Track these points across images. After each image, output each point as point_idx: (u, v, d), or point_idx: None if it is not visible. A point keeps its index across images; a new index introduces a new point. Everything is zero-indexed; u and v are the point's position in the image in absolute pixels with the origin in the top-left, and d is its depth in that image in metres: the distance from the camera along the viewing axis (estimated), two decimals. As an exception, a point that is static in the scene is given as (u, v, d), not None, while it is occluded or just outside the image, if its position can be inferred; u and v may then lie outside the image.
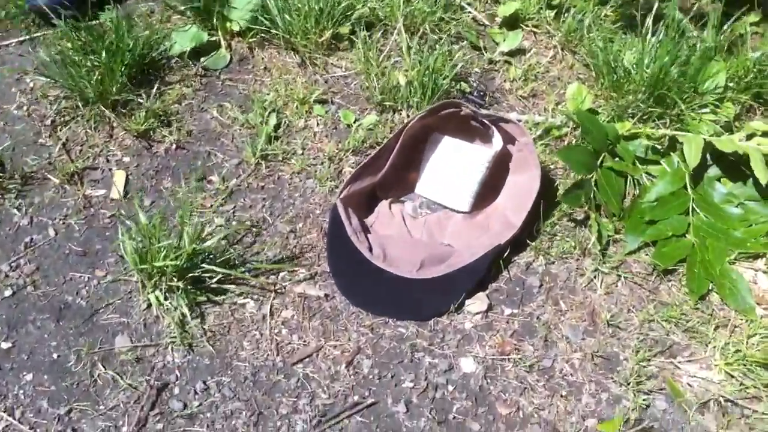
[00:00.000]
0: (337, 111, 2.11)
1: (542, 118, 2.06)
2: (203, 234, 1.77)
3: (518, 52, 2.28)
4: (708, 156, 1.89)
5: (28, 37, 2.31)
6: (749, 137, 1.89)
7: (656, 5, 2.18)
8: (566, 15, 2.31)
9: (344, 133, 2.06)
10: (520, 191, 1.83)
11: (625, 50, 2.15)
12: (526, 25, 2.35)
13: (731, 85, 2.05)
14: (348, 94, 2.16)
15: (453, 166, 1.89)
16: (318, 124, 2.08)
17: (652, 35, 2.10)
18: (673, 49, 2.02)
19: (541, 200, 1.81)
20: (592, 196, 1.83)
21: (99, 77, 2.03)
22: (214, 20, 2.26)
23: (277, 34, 2.23)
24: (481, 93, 2.03)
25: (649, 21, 2.14)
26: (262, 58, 2.25)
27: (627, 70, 2.07)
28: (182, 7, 2.30)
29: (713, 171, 1.90)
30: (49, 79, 2.09)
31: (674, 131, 1.94)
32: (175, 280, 1.66)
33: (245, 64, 2.25)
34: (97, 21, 2.28)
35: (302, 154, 2.01)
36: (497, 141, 1.85)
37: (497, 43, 2.29)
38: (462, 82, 2.15)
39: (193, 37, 2.23)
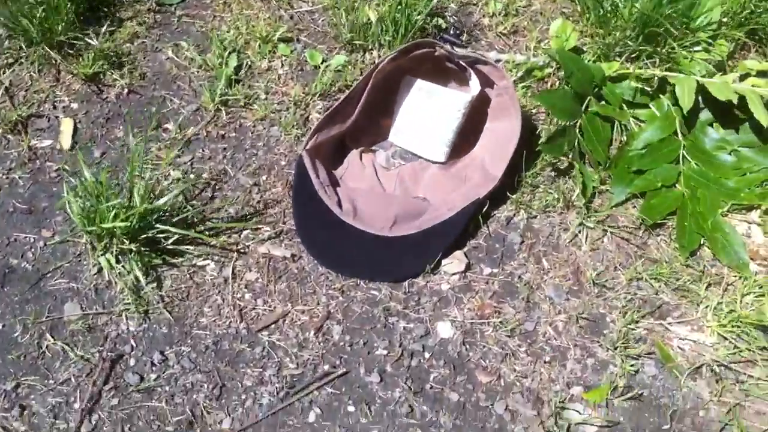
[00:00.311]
0: (303, 50, 1.96)
1: (524, 57, 1.92)
2: (157, 190, 1.63)
3: (498, -17, 2.13)
4: (699, 99, 1.77)
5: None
6: (743, 78, 1.77)
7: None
8: (548, -57, 2.16)
9: (311, 75, 1.91)
10: (499, 140, 1.70)
11: (613, -19, 2.00)
12: (506, -46, 2.19)
13: (725, 20, 1.91)
14: (315, 32, 2.00)
15: (427, 113, 1.75)
16: (282, 66, 1.93)
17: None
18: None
19: (523, 150, 1.68)
20: (576, 144, 1.71)
21: (43, 15, 1.86)
22: (168, -50, 2.08)
23: (236, -35, 2.06)
24: (458, 31, 1.88)
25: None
26: (221, -8, 2.08)
27: (614, 4, 1.92)
28: (132, -64, 2.11)
29: (705, 115, 1.77)
30: (-13, 19, 1.91)
31: (665, 72, 1.81)
32: (127, 242, 1.53)
33: (203, -1, 2.08)
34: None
35: (265, 98, 1.87)
36: (474, 85, 1.72)
37: (475, -26, 2.13)
38: (438, 18, 2.00)
39: (145, -30, 2.05)
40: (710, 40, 1.87)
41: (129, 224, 1.50)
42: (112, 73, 1.89)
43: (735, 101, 1.63)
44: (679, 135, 1.74)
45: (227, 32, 1.98)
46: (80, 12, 1.96)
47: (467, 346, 1.50)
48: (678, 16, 1.84)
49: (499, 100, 1.73)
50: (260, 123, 1.83)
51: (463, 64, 1.72)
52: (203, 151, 1.77)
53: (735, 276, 1.59)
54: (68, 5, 1.89)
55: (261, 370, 1.46)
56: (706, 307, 1.55)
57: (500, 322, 1.53)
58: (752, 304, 1.54)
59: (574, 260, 1.62)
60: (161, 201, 1.57)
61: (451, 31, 1.89)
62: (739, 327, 1.51)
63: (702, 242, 1.63)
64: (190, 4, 2.06)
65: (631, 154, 1.73)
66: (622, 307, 1.55)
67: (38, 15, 1.85)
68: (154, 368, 1.45)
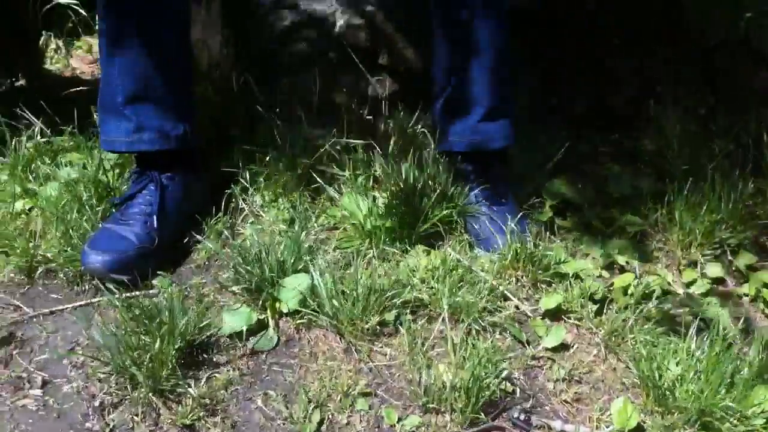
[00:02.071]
0: (380, 406, 2.12)
1: (587, 429, 2.05)
2: None
3: (561, 348, 2.30)
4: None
5: (84, 302, 2.38)
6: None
7: (700, 313, 2.22)
8: (609, 311, 2.35)
9: (387, 433, 2.07)
10: None
11: (670, 357, 2.17)
12: (569, 318, 2.39)
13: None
14: (392, 387, 2.18)
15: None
16: (361, 421, 2.09)
17: (697, 348, 2.13)
18: (719, 366, 2.04)
19: None
20: None
21: (150, 363, 2.07)
22: (265, 300, 2.32)
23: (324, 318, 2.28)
24: (527, 417, 2.04)
25: (693, 329, 2.18)
26: (309, 341, 2.29)
27: (672, 383, 2.07)
28: (235, 288, 2.37)
29: None
30: (99, 361, 2.13)
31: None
32: None
33: (291, 347, 2.28)
34: (152, 290, 2.36)
35: (344, 456, 2.02)
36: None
37: (540, 337, 2.32)
38: (506, 381, 2.17)
39: (244, 318, 2.28)
40: (763, 429, 2.00)
41: None
42: (206, 422, 2.06)
43: None
44: None
45: (312, 383, 2.16)
46: (180, 357, 2.17)
47: None
48: (732, 404, 1.98)
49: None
50: (338, 483, 1.97)
51: (531, 447, 1.87)
52: None
53: None
54: (173, 352, 2.11)
55: None
56: None
57: None
58: None
59: None
60: None
61: (522, 418, 2.05)
62: None
63: None
64: (279, 351, 2.27)
65: None
66: None
67: (145, 362, 2.06)
68: None
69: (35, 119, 2.84)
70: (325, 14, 2.75)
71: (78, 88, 3.13)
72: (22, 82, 3.42)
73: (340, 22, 2.76)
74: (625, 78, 3.47)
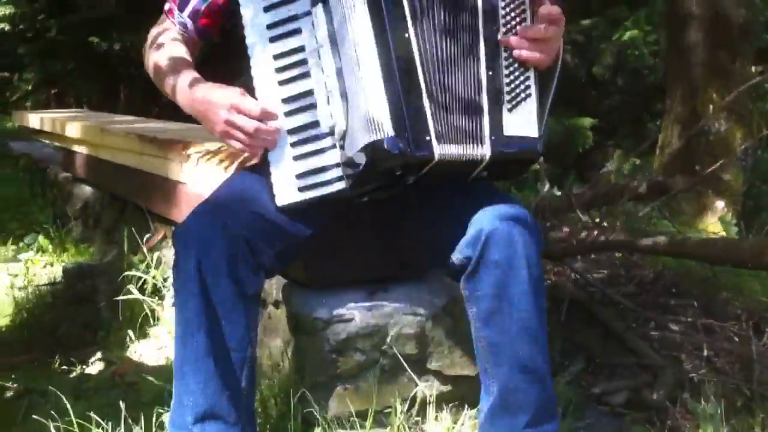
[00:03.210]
0: None
1: None
2: None
3: None
4: None
5: None
6: None
7: None
8: None
9: None
10: None
11: None
12: None
13: None
14: None
15: None
16: None
17: None
18: None
19: None
20: None
21: None
22: None
23: None
24: None
25: None
26: None
27: None
28: None
29: None
30: None
31: None
32: None
33: None
34: None
35: None
36: None
37: None
38: None
39: None
40: None
41: None
42: None
43: None
44: None
45: None
46: None
47: None
48: None
49: None
50: None
51: None
52: None
53: None
54: None
55: None
56: None
57: None
58: None
59: None
60: None
61: None
62: None
63: None
64: None
65: None
66: None
67: None
68: None
69: (104, 422, 3.03)
70: (378, 327, 2.96)
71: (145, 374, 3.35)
72: (91, 369, 3.65)
73: (391, 332, 2.98)
74: (661, 371, 3.62)
